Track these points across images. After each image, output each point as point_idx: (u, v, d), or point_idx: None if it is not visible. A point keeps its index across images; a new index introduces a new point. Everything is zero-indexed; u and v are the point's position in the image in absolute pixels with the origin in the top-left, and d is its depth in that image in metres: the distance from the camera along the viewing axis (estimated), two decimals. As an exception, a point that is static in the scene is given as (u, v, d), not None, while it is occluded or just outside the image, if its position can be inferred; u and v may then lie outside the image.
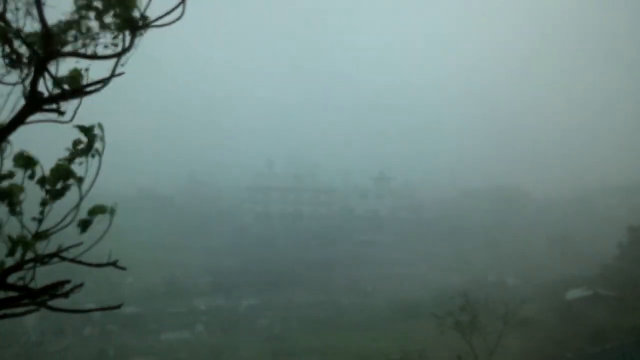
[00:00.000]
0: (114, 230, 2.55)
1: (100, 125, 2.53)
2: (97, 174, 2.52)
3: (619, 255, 52.55)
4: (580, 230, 79.11)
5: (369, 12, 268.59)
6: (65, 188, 2.48)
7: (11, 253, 2.39)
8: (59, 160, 2.48)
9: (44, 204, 2.44)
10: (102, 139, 2.51)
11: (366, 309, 51.23)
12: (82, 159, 2.50)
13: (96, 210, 2.45)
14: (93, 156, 2.52)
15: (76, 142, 2.52)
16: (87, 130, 2.51)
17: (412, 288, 59.43)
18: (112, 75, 2.50)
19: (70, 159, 2.50)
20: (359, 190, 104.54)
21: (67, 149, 2.52)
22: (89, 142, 2.51)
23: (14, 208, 2.40)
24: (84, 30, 2.50)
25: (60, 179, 2.46)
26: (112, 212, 2.46)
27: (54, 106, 2.57)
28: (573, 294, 43.05)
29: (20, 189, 2.42)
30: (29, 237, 2.36)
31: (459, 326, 20.33)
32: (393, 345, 22.05)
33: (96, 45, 2.51)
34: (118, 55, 2.48)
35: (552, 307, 41.16)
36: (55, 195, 2.48)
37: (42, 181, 2.46)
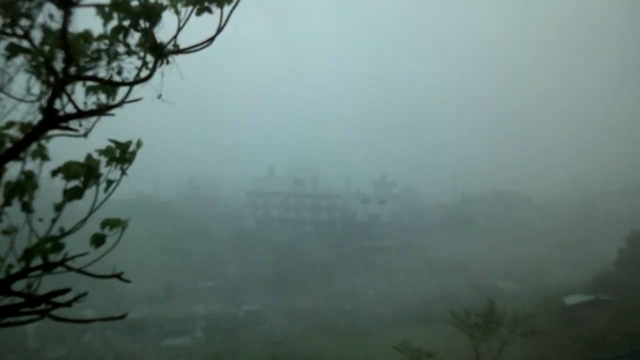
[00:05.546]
0: (114, 235, 2.52)
1: (139, 142, 2.55)
2: (114, 187, 2.52)
3: (619, 260, 52.31)
4: (581, 235, 78.95)
5: (371, 14, 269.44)
6: (85, 185, 2.44)
7: (27, 257, 2.36)
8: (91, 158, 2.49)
9: (59, 207, 2.42)
10: (133, 157, 2.52)
11: (368, 314, 51.05)
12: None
13: (110, 223, 2.40)
14: (121, 170, 2.54)
15: (108, 150, 2.53)
16: (123, 146, 2.54)
17: (414, 293, 59.25)
18: (124, 100, 2.54)
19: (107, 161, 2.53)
20: (361, 195, 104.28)
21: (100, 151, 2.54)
22: (122, 155, 2.53)
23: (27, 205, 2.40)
24: (110, 55, 2.53)
25: (86, 177, 2.44)
26: (124, 226, 2.43)
27: (68, 124, 2.60)
28: (573, 299, 42.90)
29: (35, 186, 2.43)
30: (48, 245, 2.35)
31: (472, 329, 20.16)
32: (396, 351, 21.93)
33: (118, 71, 2.53)
34: (136, 82, 2.52)
35: (553, 312, 41.02)
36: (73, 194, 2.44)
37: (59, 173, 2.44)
